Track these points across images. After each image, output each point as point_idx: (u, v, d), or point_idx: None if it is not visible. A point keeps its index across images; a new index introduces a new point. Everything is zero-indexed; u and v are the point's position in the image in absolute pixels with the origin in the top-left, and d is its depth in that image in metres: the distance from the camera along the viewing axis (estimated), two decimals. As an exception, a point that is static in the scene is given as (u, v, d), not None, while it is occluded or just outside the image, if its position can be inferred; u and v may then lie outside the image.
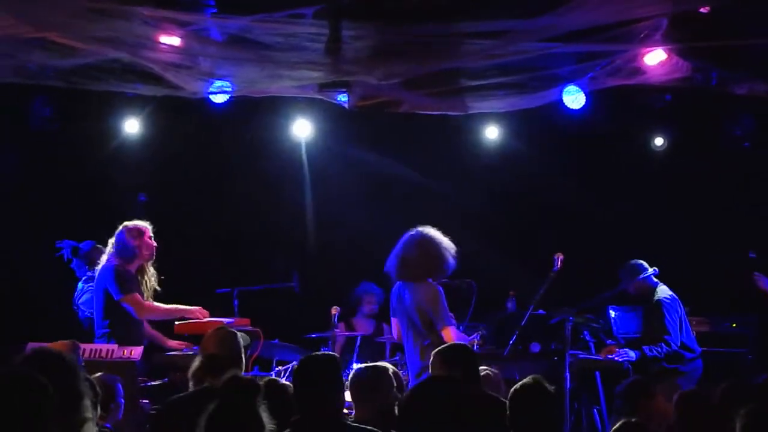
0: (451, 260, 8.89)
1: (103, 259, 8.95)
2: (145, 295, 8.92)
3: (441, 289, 8.81)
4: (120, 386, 6.51)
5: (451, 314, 8.78)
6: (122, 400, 6.83)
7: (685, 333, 9.69)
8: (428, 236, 8.91)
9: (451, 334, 8.58)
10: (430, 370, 6.49)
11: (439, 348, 6.48)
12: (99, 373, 6.53)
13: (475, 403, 4.32)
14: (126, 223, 8.99)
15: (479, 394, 5.87)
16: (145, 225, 9.00)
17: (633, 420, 5.11)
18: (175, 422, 5.75)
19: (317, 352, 6.15)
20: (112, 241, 8.94)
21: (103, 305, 8.79)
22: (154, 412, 7.26)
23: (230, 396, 4.05)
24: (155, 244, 9.02)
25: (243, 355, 6.52)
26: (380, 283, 10.45)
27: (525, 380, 5.44)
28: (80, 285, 9.65)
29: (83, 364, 7.10)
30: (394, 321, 9.08)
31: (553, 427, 5.33)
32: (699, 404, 6.13)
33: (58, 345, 7.10)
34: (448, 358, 6.29)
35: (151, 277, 9.01)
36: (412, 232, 8.95)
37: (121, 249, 8.87)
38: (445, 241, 8.92)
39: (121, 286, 8.68)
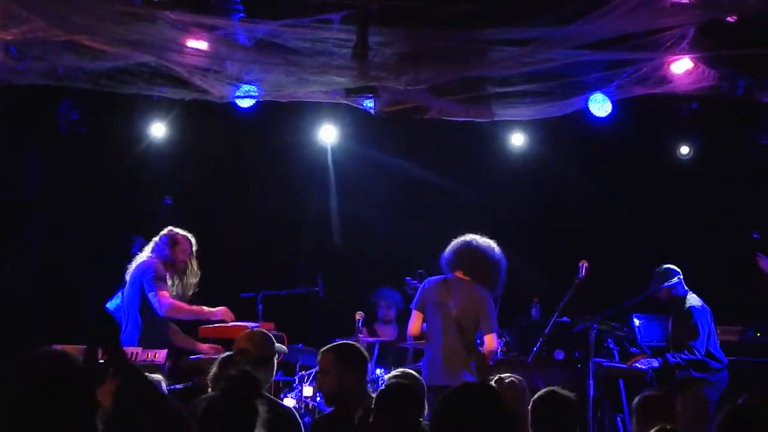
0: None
1: (142, 255, 9.00)
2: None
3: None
4: (163, 386, 6.51)
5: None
6: None
7: (712, 343, 9.63)
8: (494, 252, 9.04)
9: (493, 341, 8.69)
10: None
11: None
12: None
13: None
14: (177, 230, 9.04)
15: None
16: (190, 239, 9.04)
17: (668, 427, 5.07)
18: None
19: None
20: (155, 239, 8.99)
21: (138, 303, 8.82)
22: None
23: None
24: (186, 260, 9.05)
25: (273, 358, 6.63)
26: (400, 288, 10.45)
27: (546, 390, 5.43)
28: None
29: None
30: (416, 313, 8.95)
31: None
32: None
33: (70, 350, 7.12)
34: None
35: (183, 287, 9.03)
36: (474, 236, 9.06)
37: (159, 252, 8.91)
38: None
39: (155, 281, 8.74)
